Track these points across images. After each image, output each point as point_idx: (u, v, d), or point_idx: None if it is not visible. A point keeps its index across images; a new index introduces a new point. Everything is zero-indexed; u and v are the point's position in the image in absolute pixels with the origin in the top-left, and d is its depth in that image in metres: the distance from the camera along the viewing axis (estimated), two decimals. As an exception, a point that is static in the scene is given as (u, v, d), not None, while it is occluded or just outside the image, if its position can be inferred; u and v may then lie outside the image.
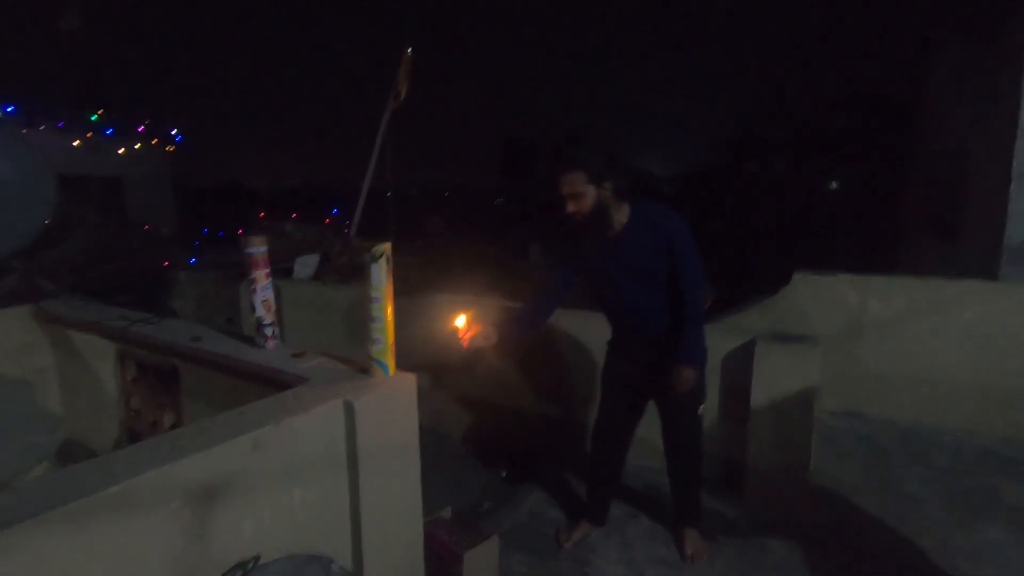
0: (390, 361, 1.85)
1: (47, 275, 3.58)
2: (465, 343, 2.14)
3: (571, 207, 2.12)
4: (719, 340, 2.92)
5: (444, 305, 3.51)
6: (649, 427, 2.55)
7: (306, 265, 4.57)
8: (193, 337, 2.35)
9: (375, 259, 1.76)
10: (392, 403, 1.78)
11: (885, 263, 7.34)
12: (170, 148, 15.35)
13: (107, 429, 2.90)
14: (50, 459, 3.06)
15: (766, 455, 2.71)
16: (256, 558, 1.46)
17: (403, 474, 1.85)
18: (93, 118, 13.48)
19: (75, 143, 12.88)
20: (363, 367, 1.88)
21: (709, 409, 2.93)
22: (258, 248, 2.09)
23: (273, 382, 1.91)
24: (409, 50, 5.10)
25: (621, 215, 2.17)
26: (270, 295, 2.13)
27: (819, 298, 3.67)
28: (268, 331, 2.15)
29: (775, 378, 2.66)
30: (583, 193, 2.09)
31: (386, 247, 1.78)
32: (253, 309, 2.14)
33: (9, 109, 11.83)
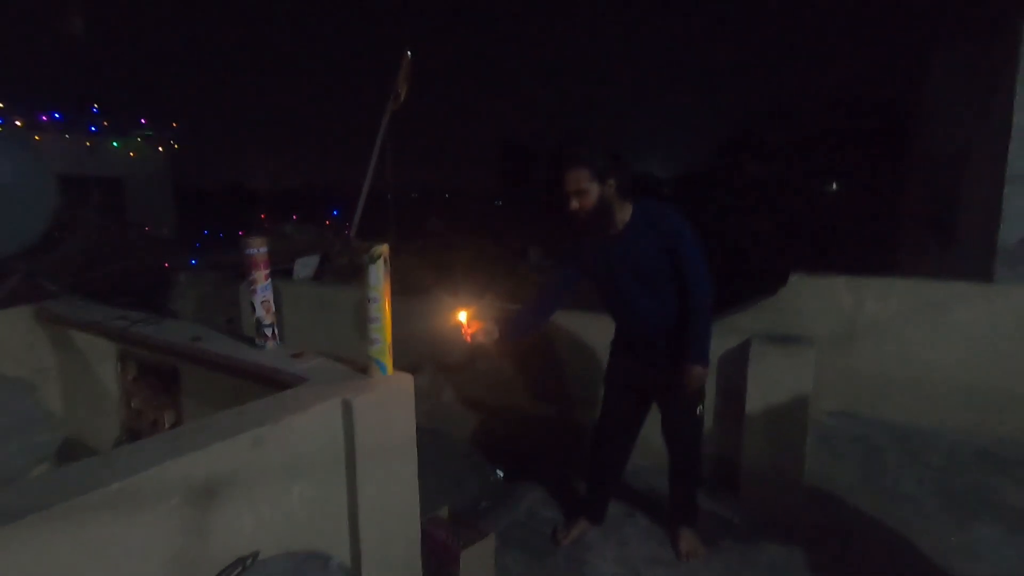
0: (388, 360, 1.87)
1: (48, 276, 3.61)
2: (468, 338, 2.16)
3: (574, 204, 2.13)
4: (715, 340, 2.92)
5: (445, 304, 3.53)
6: (647, 426, 2.57)
7: (306, 266, 4.59)
8: (193, 337, 2.37)
9: (373, 260, 1.78)
10: (390, 402, 1.81)
11: (884, 264, 7.37)
12: (174, 144, 15.38)
13: (108, 429, 2.92)
14: (51, 459, 3.08)
15: (761, 455, 2.73)
16: (255, 554, 1.49)
17: (401, 472, 1.87)
18: (94, 119, 13.51)
19: (75, 144, 12.91)
20: (361, 367, 1.90)
21: (706, 409, 2.96)
22: (258, 249, 2.12)
23: (272, 382, 1.93)
24: (408, 53, 5.13)
25: (624, 213, 2.18)
26: (269, 295, 2.15)
27: (815, 299, 3.68)
28: (267, 331, 2.18)
29: (770, 379, 2.68)
30: (586, 190, 2.10)
31: (384, 248, 1.81)
32: (253, 309, 2.17)
33: (12, 110, 11.88)
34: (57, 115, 12.47)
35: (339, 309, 4.04)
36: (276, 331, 2.20)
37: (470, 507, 2.83)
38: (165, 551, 1.34)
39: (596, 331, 3.05)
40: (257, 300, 2.14)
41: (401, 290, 4.01)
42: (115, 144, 13.73)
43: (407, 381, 1.87)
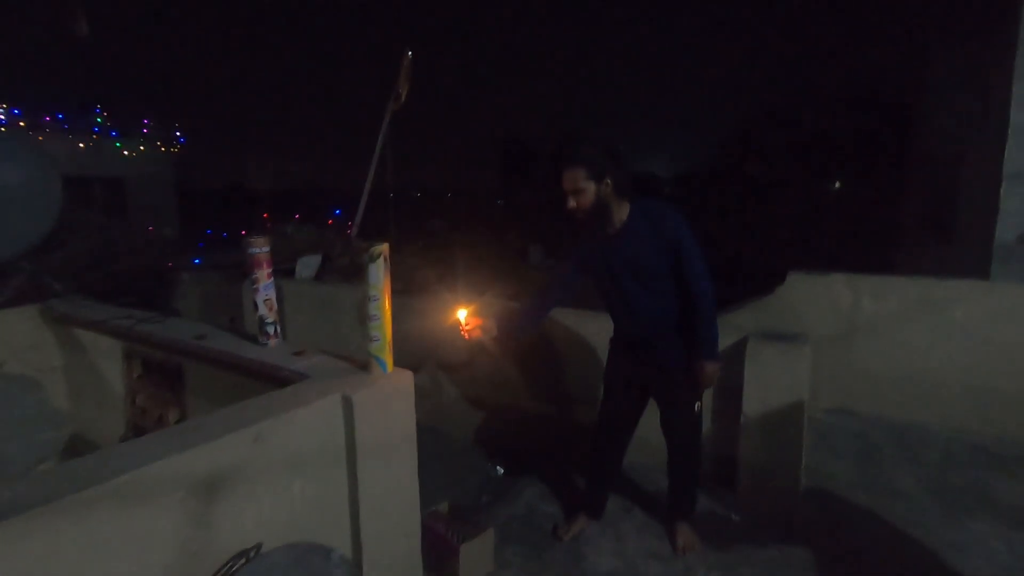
0: (388, 358, 1.90)
1: (53, 276, 3.65)
2: (467, 335, 2.19)
3: (572, 203, 2.15)
4: (712, 338, 2.97)
5: (444, 302, 3.57)
6: (644, 424, 2.60)
7: (308, 266, 4.63)
8: (197, 335, 2.41)
9: (373, 259, 1.82)
10: (390, 398, 1.84)
11: (885, 262, 7.39)
12: (174, 149, 15.44)
13: (113, 425, 2.96)
14: (57, 455, 3.12)
15: (758, 452, 2.76)
16: (258, 546, 1.52)
17: (401, 467, 1.90)
18: (97, 120, 13.57)
19: (79, 145, 12.97)
20: (362, 364, 1.94)
21: (703, 406, 2.99)
22: (260, 248, 2.16)
23: (275, 378, 1.97)
24: (409, 53, 5.16)
25: (622, 213, 2.20)
26: (272, 294, 2.19)
27: (813, 297, 3.71)
28: (270, 329, 2.21)
29: (766, 376, 2.70)
30: (584, 189, 2.12)
31: (384, 247, 1.84)
32: (256, 308, 2.20)
33: (14, 111, 11.92)
34: (60, 115, 12.55)
35: (340, 307, 4.07)
36: (278, 329, 2.24)
37: (470, 502, 2.87)
38: (170, 543, 1.38)
39: (595, 329, 3.09)
40: (260, 299, 2.17)
41: (403, 289, 4.06)
42: (118, 144, 13.81)
43: (407, 378, 1.91)
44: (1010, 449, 3.22)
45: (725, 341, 2.91)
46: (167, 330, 2.55)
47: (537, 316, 2.43)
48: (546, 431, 3.37)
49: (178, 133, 15.70)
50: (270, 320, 2.21)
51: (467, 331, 2.19)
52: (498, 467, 3.24)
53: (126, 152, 14.09)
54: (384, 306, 1.86)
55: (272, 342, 2.22)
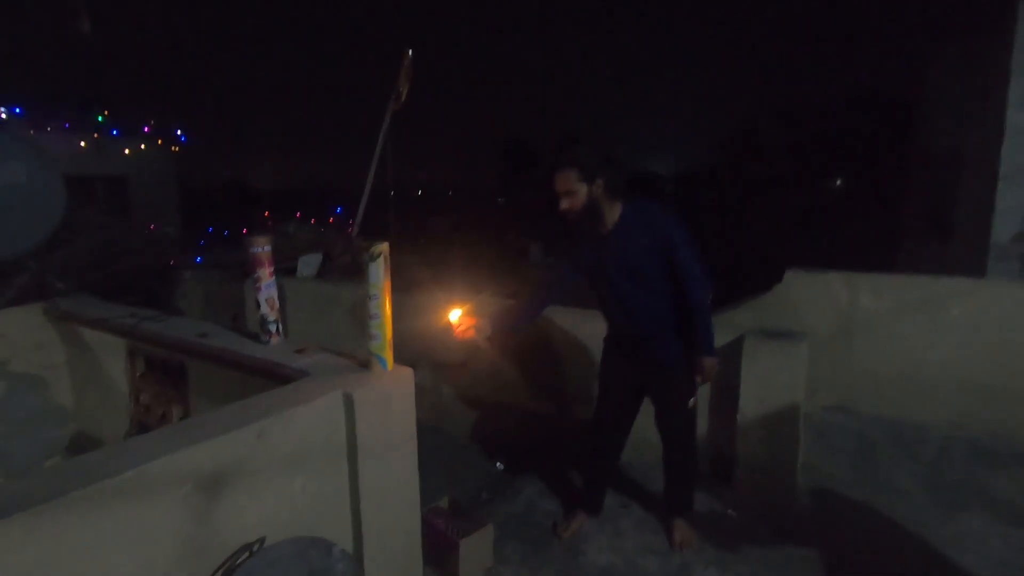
0: (388, 356, 1.93)
1: (57, 274, 3.68)
2: (459, 335, 2.21)
3: (564, 204, 2.19)
4: (711, 337, 3.00)
5: (440, 300, 3.59)
6: (642, 422, 2.63)
7: (309, 264, 4.66)
8: (200, 334, 2.43)
9: (373, 259, 1.85)
10: (390, 396, 1.87)
11: (886, 260, 7.41)
12: (175, 148, 15.46)
13: (117, 423, 2.99)
14: (62, 452, 3.15)
15: (755, 449, 2.79)
16: (261, 541, 1.55)
17: (401, 463, 1.93)
18: (99, 119, 13.60)
19: (81, 144, 13.00)
20: (363, 361, 1.96)
21: (700, 404, 3.01)
22: (262, 247, 2.19)
23: (277, 376, 2.00)
24: (409, 52, 5.17)
25: (614, 213, 2.23)
26: (274, 293, 2.22)
27: (811, 295, 3.73)
28: (272, 328, 2.24)
29: (763, 373, 2.73)
30: (575, 191, 2.16)
31: (384, 247, 1.87)
32: (258, 306, 2.23)
33: (16, 111, 11.94)
34: (62, 114, 12.58)
35: (341, 306, 4.10)
36: (280, 327, 2.27)
37: (470, 499, 2.90)
38: (176, 537, 1.41)
39: (593, 328, 3.11)
40: (262, 297, 2.20)
41: (403, 287, 4.08)
42: (119, 143, 13.83)
43: (407, 376, 1.94)
44: (1006, 446, 3.24)
45: (723, 339, 2.93)
46: (170, 328, 2.58)
47: (531, 315, 2.46)
48: (545, 429, 3.40)
49: (180, 131, 15.74)
50: (272, 319, 2.24)
51: (460, 331, 2.22)
52: (498, 464, 3.27)
53: (128, 151, 14.11)
54: (384, 305, 1.89)
55: (274, 340, 2.24)
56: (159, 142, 15.03)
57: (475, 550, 2.30)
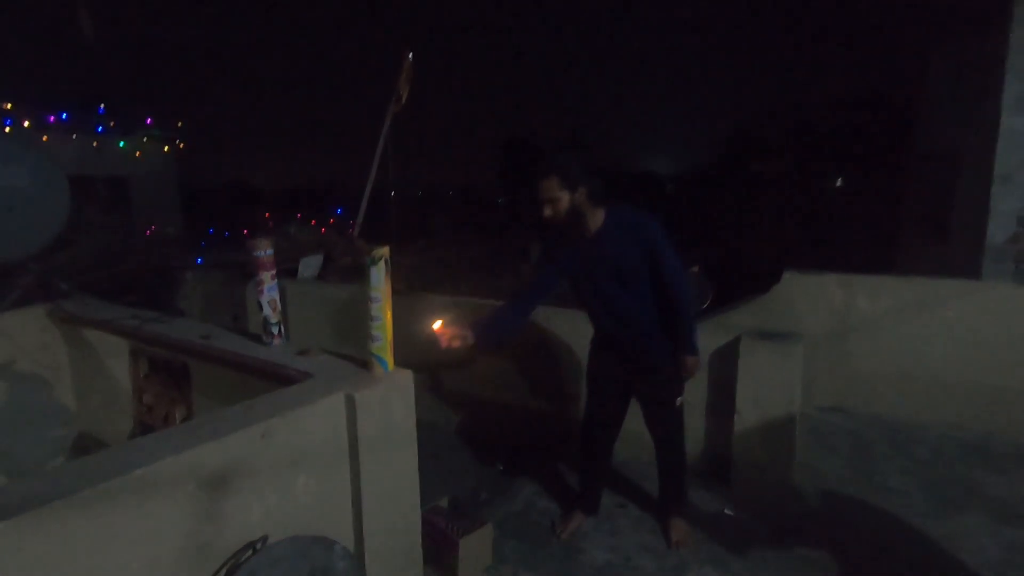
0: (389, 357, 1.96)
1: (60, 276, 3.71)
2: (444, 345, 2.23)
3: (547, 212, 2.25)
4: (707, 337, 3.03)
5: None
6: (639, 422, 2.66)
7: (310, 266, 4.69)
8: (203, 335, 2.46)
9: (374, 262, 1.88)
10: (391, 396, 1.90)
11: (885, 261, 7.44)
12: (181, 144, 15.47)
13: (120, 424, 3.02)
14: (65, 453, 3.19)
15: (752, 448, 2.82)
16: (264, 539, 1.58)
17: (402, 463, 1.97)
18: (100, 119, 13.62)
19: (82, 144, 13.02)
20: (364, 363, 2.00)
21: (697, 404, 3.05)
22: (264, 251, 2.22)
23: (279, 377, 2.03)
24: (410, 54, 5.20)
25: (596, 219, 2.29)
26: (276, 295, 2.25)
27: (808, 296, 3.76)
28: (274, 329, 2.27)
29: (759, 374, 2.76)
30: (558, 199, 2.22)
31: (384, 250, 1.90)
32: (260, 308, 2.26)
33: (64, 117, 12.01)
34: (64, 115, 12.59)
35: (342, 308, 4.13)
36: (282, 329, 2.30)
37: (469, 498, 2.93)
38: (181, 535, 1.44)
39: (591, 329, 3.14)
40: (264, 299, 2.24)
41: (403, 288, 4.11)
42: (121, 144, 13.84)
43: (407, 377, 1.97)
44: (1000, 446, 3.28)
45: (720, 340, 2.97)
46: (173, 330, 2.61)
47: (516, 321, 2.47)
48: (545, 429, 3.43)
49: (181, 132, 15.75)
50: (274, 320, 2.27)
51: (445, 341, 2.24)
52: (498, 464, 3.30)
53: (130, 151, 14.12)
54: (385, 307, 1.92)
55: (276, 342, 2.28)
56: (161, 142, 15.02)
57: (475, 549, 2.33)
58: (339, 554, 1.66)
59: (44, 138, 11.51)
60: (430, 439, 3.46)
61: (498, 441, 3.51)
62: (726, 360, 2.91)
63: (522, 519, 2.75)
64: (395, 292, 2.01)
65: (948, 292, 3.43)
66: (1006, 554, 2.42)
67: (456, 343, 2.25)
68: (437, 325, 2.21)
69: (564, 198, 2.21)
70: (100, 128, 13.56)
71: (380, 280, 1.90)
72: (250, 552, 1.54)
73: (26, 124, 11.65)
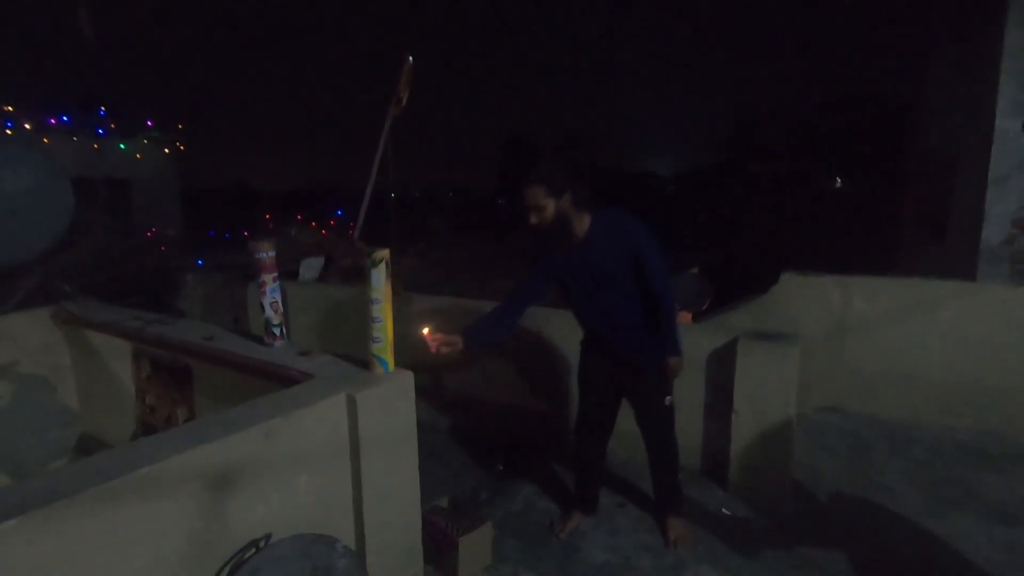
0: (390, 358, 1.99)
1: (63, 278, 3.74)
2: (432, 349, 2.25)
3: (534, 219, 2.28)
4: (705, 338, 3.06)
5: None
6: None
7: (311, 268, 4.72)
8: (205, 337, 2.49)
9: (375, 264, 1.91)
10: (392, 397, 1.93)
11: (884, 262, 7.46)
12: (180, 146, 15.49)
13: (123, 424, 3.05)
14: (68, 453, 3.21)
15: (749, 448, 2.84)
16: (267, 537, 1.61)
17: (402, 463, 1.99)
18: (101, 121, 13.65)
19: (83, 147, 13.05)
20: (365, 363, 2.02)
21: (696, 405, 3.07)
22: (267, 253, 2.25)
23: (281, 378, 2.06)
24: (410, 58, 5.22)
25: (583, 224, 2.32)
26: (278, 297, 2.28)
27: (805, 298, 3.80)
28: (276, 331, 2.30)
29: (757, 374, 2.78)
30: (544, 206, 2.24)
31: (385, 253, 1.93)
32: (262, 310, 2.29)
33: (64, 119, 12.05)
34: (65, 118, 12.62)
35: (343, 309, 4.16)
36: (284, 330, 2.33)
37: (469, 498, 2.95)
38: (186, 533, 1.46)
39: (589, 330, 3.17)
40: (266, 301, 2.26)
41: (404, 289, 4.14)
42: (122, 146, 13.87)
43: (408, 378, 2.00)
44: (995, 445, 3.31)
45: (718, 341, 3.00)
46: (176, 331, 2.63)
47: (506, 325, 2.49)
48: (544, 429, 3.45)
49: (181, 134, 15.79)
50: (276, 322, 2.30)
51: (434, 346, 2.25)
52: (498, 464, 3.32)
53: (130, 153, 14.15)
54: (385, 309, 1.95)
55: (278, 343, 2.30)
56: (161, 144, 15.05)
57: (474, 548, 2.35)
58: (340, 552, 1.69)
59: (45, 140, 11.53)
60: (430, 439, 3.50)
61: (498, 441, 3.53)
62: (724, 361, 2.93)
63: (522, 519, 2.77)
64: (394, 294, 2.04)
65: (944, 293, 3.47)
66: (1003, 553, 2.45)
67: (445, 349, 2.26)
68: (426, 331, 2.22)
69: (550, 205, 2.24)
70: (101, 130, 13.59)
71: (380, 282, 1.92)
72: (253, 550, 1.57)
73: (27, 126, 11.68)
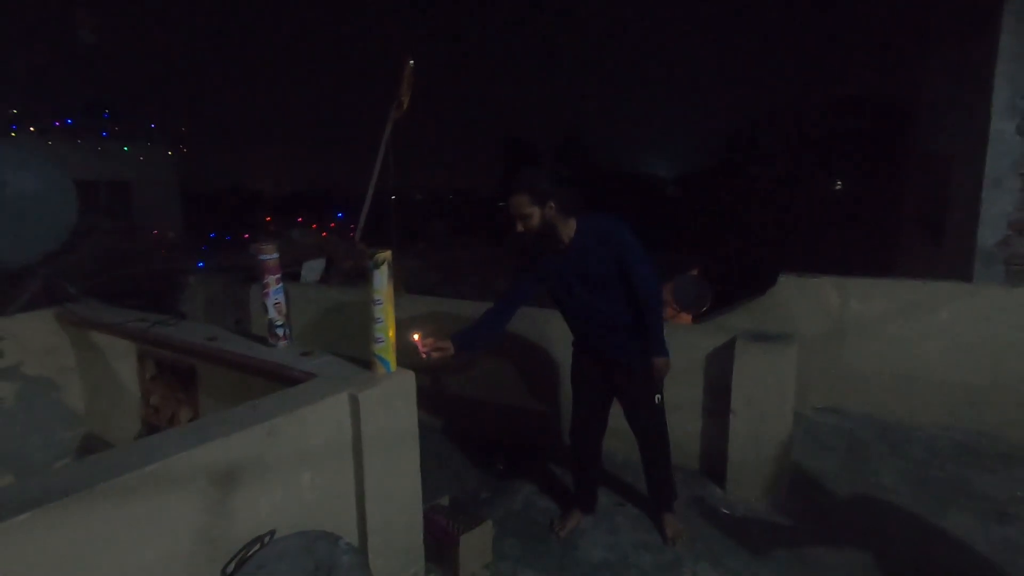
0: (391, 358, 2.02)
1: (67, 279, 3.77)
2: (423, 354, 2.28)
3: (520, 227, 2.32)
4: (703, 339, 3.09)
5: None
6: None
7: (312, 270, 4.75)
8: (209, 337, 2.52)
9: (377, 265, 1.94)
10: (393, 396, 1.96)
11: (884, 263, 7.50)
12: (181, 148, 15.57)
13: (127, 425, 3.08)
14: (72, 453, 3.24)
15: (746, 447, 2.87)
16: (271, 533, 1.64)
17: (404, 461, 2.02)
18: (103, 123, 13.72)
19: (86, 149, 13.11)
20: (367, 364, 2.05)
21: (694, 405, 3.10)
22: (270, 255, 2.28)
23: (284, 378, 2.09)
24: (411, 61, 5.27)
25: (568, 229, 2.36)
26: (281, 298, 2.31)
27: (804, 299, 3.83)
28: (279, 331, 2.33)
29: (754, 374, 2.81)
30: (529, 214, 2.29)
31: (387, 254, 1.96)
32: (266, 311, 2.32)
33: (69, 122, 12.11)
34: (69, 120, 12.70)
35: (345, 310, 4.19)
36: (287, 331, 2.36)
37: (470, 497, 2.98)
38: (192, 528, 1.50)
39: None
40: (270, 302, 2.30)
41: (405, 290, 4.17)
42: (125, 148, 13.95)
43: (409, 377, 2.03)
44: (992, 445, 3.34)
45: (716, 341, 3.03)
46: (181, 332, 2.67)
47: (496, 329, 2.52)
48: (544, 429, 3.48)
49: (183, 136, 15.88)
50: (279, 322, 2.33)
51: (424, 352, 2.28)
52: (498, 464, 3.35)
53: (133, 156, 14.22)
54: (388, 309, 1.98)
55: (282, 343, 2.33)
56: (162, 147, 15.11)
57: (475, 546, 2.38)
58: (343, 549, 1.72)
59: (48, 143, 11.59)
60: (431, 439, 3.53)
61: (499, 441, 3.56)
62: (722, 361, 2.96)
63: (522, 517, 2.80)
64: (398, 293, 2.07)
65: (940, 294, 3.50)
66: (997, 552, 2.47)
67: (436, 354, 2.29)
68: (416, 336, 2.24)
69: (535, 213, 2.27)
70: (104, 133, 13.65)
71: (383, 283, 1.95)
72: (258, 546, 1.60)
73: (31, 129, 11.74)
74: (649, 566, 2.44)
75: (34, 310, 3.29)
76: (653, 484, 2.67)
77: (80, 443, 3.29)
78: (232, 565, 1.57)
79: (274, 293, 2.28)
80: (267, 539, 1.62)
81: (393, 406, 1.96)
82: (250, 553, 1.58)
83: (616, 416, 2.61)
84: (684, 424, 3.09)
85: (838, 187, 17.02)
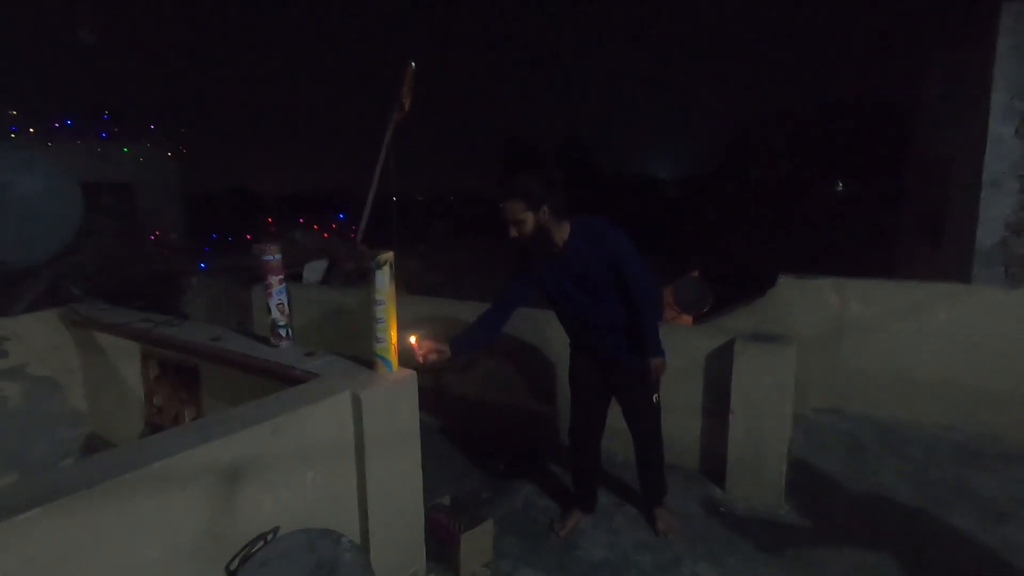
0: (393, 358, 2.04)
1: (71, 280, 3.80)
2: (421, 359, 2.29)
3: (513, 232, 2.33)
4: (703, 340, 3.10)
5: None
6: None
7: (314, 271, 4.77)
8: (213, 338, 2.54)
9: (379, 266, 1.96)
10: (395, 396, 1.98)
11: (881, 265, 7.51)
12: (183, 149, 15.61)
13: (131, 425, 3.10)
14: (76, 453, 3.26)
15: (746, 447, 2.88)
16: (275, 530, 1.66)
17: (405, 460, 2.04)
18: (105, 126, 13.76)
19: (87, 151, 13.15)
20: (369, 364, 2.07)
21: (693, 405, 3.12)
22: (273, 256, 2.30)
23: (287, 378, 2.11)
24: (412, 63, 5.30)
25: (562, 233, 2.37)
26: (284, 298, 2.33)
27: (803, 300, 3.85)
28: (282, 331, 2.35)
29: (753, 375, 2.83)
30: (523, 220, 2.30)
31: (389, 255, 1.98)
32: (269, 311, 2.34)
33: (68, 123, 12.14)
34: (69, 122, 12.74)
35: (347, 311, 4.21)
36: (290, 331, 2.38)
37: (471, 497, 3.00)
38: (197, 525, 1.52)
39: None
40: (273, 303, 2.32)
41: (406, 291, 4.19)
42: (125, 150, 13.98)
43: (411, 377, 2.05)
44: (991, 446, 3.35)
45: (715, 342, 3.04)
46: (184, 333, 2.68)
47: (492, 330, 2.53)
48: (545, 430, 3.49)
49: (185, 137, 15.92)
50: (282, 323, 2.35)
51: (421, 355, 2.29)
52: (499, 464, 3.37)
53: (134, 157, 14.25)
54: (390, 310, 2.00)
55: (284, 343, 2.35)
56: (164, 148, 15.15)
57: (476, 544, 2.40)
58: (346, 546, 1.74)
59: (48, 144, 11.63)
60: (433, 439, 3.54)
61: (499, 441, 3.58)
62: (721, 362, 2.97)
63: (522, 517, 2.82)
64: (399, 294, 2.08)
65: (939, 296, 3.51)
66: (996, 552, 2.48)
67: (433, 357, 2.30)
68: (413, 339, 2.25)
69: (529, 219, 2.28)
70: (105, 134, 13.69)
71: (385, 283, 1.97)
72: (261, 543, 1.62)
73: (31, 131, 11.78)
74: (649, 565, 2.45)
75: (38, 311, 3.31)
76: (646, 481, 2.70)
77: (84, 443, 3.31)
78: (236, 562, 1.59)
79: (277, 293, 2.30)
80: (271, 536, 1.64)
81: (395, 406, 1.98)
82: (254, 550, 1.59)
83: (616, 416, 2.63)
84: (684, 424, 3.11)
85: (838, 189, 17.05)
